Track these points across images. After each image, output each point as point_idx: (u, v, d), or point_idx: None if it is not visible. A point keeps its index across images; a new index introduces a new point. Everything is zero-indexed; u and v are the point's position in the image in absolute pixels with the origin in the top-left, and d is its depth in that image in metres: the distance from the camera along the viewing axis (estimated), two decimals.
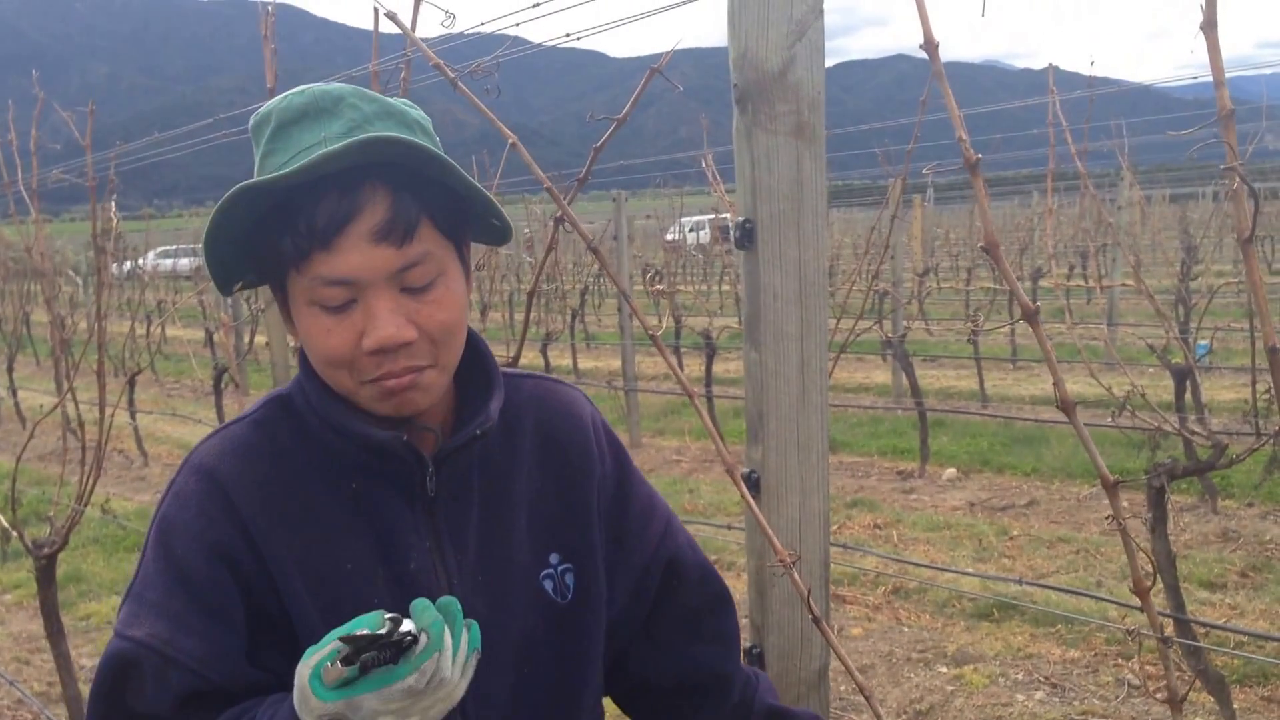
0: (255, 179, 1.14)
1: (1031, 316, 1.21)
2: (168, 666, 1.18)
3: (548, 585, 1.35)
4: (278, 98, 1.21)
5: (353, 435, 1.24)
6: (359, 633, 1.05)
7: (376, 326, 1.16)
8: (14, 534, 3.56)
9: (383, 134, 1.12)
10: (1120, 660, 4.41)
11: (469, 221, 1.27)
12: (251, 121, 1.22)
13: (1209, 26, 1.08)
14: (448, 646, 1.07)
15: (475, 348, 1.34)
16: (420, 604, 1.10)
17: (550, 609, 1.34)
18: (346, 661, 1.05)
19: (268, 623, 1.23)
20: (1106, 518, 1.21)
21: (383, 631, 1.05)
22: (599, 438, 1.44)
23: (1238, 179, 1.02)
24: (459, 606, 1.12)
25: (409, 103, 1.25)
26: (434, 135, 1.25)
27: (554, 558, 1.36)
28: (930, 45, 1.15)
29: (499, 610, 1.30)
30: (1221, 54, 1.08)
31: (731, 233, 1.65)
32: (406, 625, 1.07)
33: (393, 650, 1.06)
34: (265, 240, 1.18)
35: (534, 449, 1.38)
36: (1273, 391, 1.23)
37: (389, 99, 1.22)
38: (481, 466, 1.33)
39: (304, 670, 1.08)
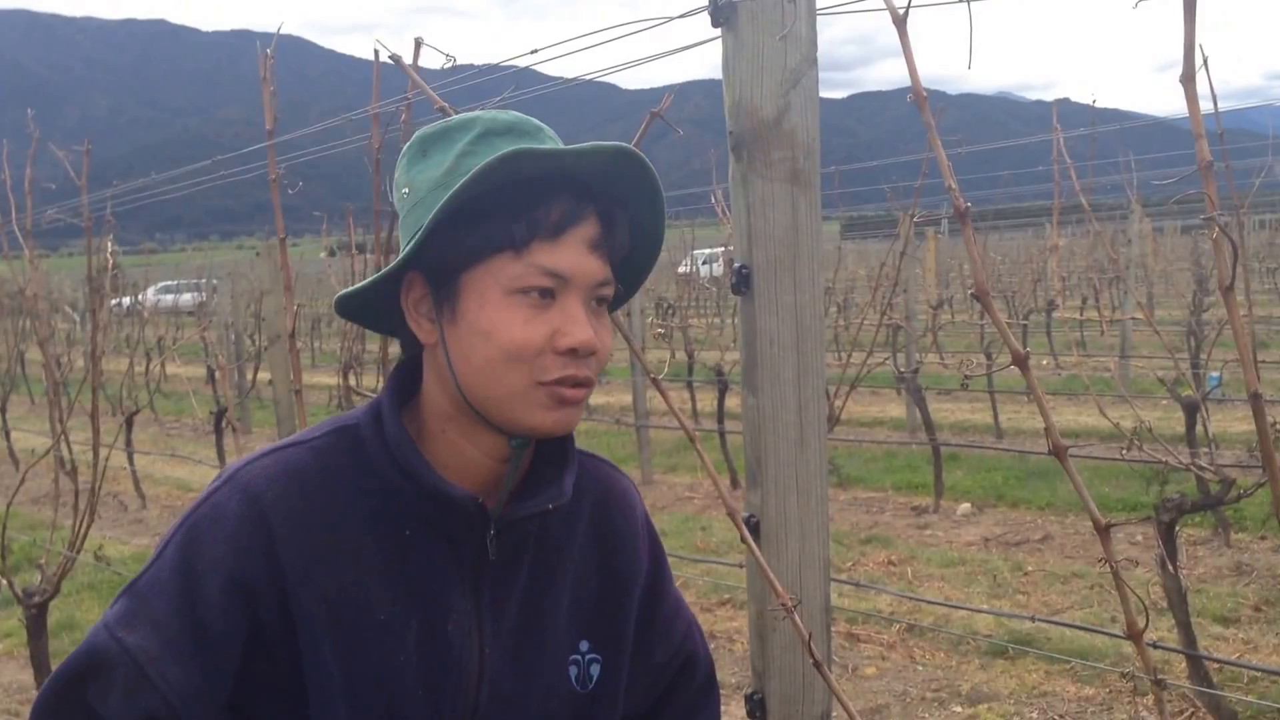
0: (533, 146, 1.15)
1: (1021, 362, 1.22)
2: (142, 685, 1.13)
3: (572, 671, 1.32)
4: (475, 113, 1.24)
5: (423, 485, 1.20)
6: None
7: (578, 328, 1.16)
8: (3, 582, 3.46)
9: (638, 151, 1.19)
10: (1135, 698, 4.37)
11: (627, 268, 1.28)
12: (440, 126, 1.23)
13: (1188, 80, 1.09)
14: None
15: None
16: None
17: (570, 696, 1.31)
18: None
19: (270, 664, 1.18)
20: (1100, 560, 1.22)
21: None
22: (645, 536, 1.44)
23: (1218, 229, 1.04)
24: None
25: None
26: None
27: (584, 645, 1.34)
28: (919, 98, 1.18)
29: (524, 687, 1.27)
30: (1200, 106, 1.10)
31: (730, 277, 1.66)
32: None
33: None
34: (480, 218, 1.16)
35: (587, 531, 1.37)
36: (1278, 428, 1.24)
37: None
38: (538, 538, 1.30)
39: None
